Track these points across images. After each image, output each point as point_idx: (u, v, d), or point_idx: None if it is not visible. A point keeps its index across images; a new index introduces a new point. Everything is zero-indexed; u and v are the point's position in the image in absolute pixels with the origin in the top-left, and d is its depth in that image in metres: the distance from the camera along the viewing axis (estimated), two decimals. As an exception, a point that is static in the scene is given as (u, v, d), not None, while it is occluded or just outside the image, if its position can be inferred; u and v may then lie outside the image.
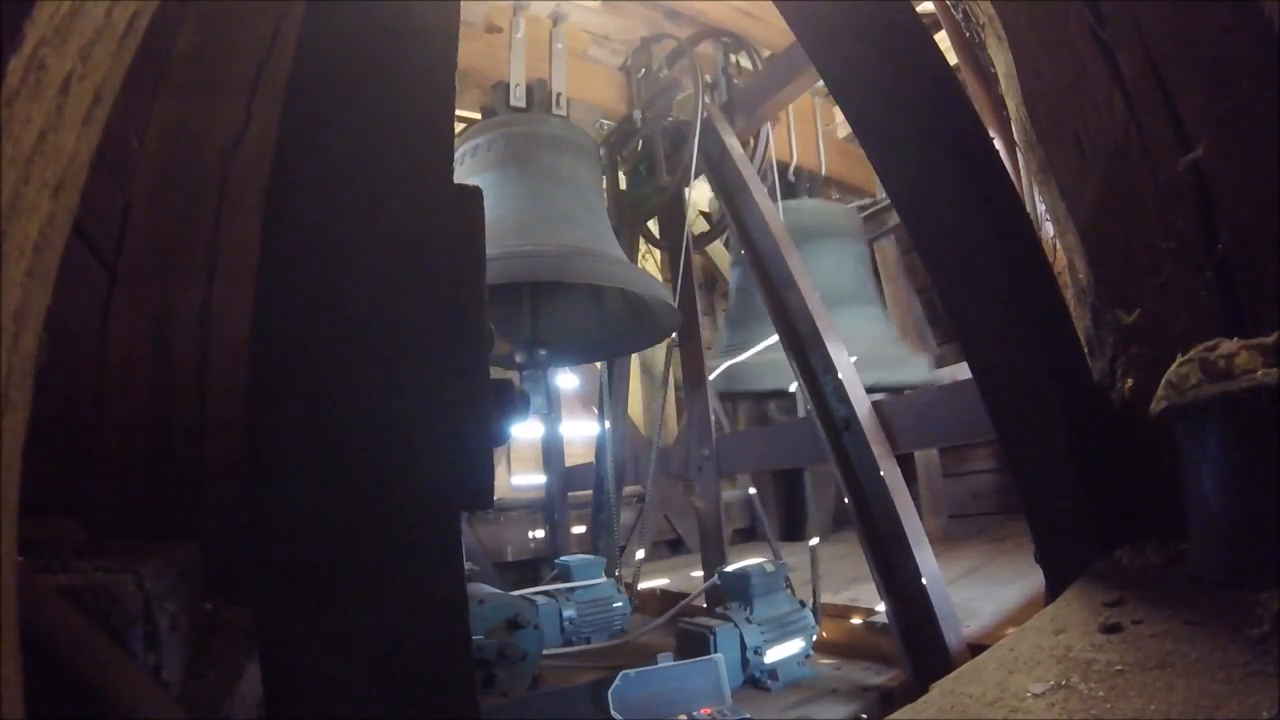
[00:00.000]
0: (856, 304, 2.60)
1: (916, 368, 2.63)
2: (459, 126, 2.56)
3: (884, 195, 3.32)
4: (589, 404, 3.84)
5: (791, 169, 3.09)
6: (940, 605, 1.64)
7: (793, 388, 2.68)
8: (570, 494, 3.46)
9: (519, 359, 2.37)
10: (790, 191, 3.01)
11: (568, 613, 2.22)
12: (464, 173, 2.27)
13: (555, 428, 3.51)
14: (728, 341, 2.85)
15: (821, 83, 2.69)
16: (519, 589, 2.34)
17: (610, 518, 2.95)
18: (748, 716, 1.52)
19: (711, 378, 2.65)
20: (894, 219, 3.31)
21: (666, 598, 2.69)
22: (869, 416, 1.85)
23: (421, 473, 0.60)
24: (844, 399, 1.88)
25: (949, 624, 1.62)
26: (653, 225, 3.19)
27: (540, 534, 3.49)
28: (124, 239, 1.10)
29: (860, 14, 1.11)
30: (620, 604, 2.34)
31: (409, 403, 0.61)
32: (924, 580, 1.66)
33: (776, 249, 2.19)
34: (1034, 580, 1.88)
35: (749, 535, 3.98)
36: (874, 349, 2.39)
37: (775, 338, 2.33)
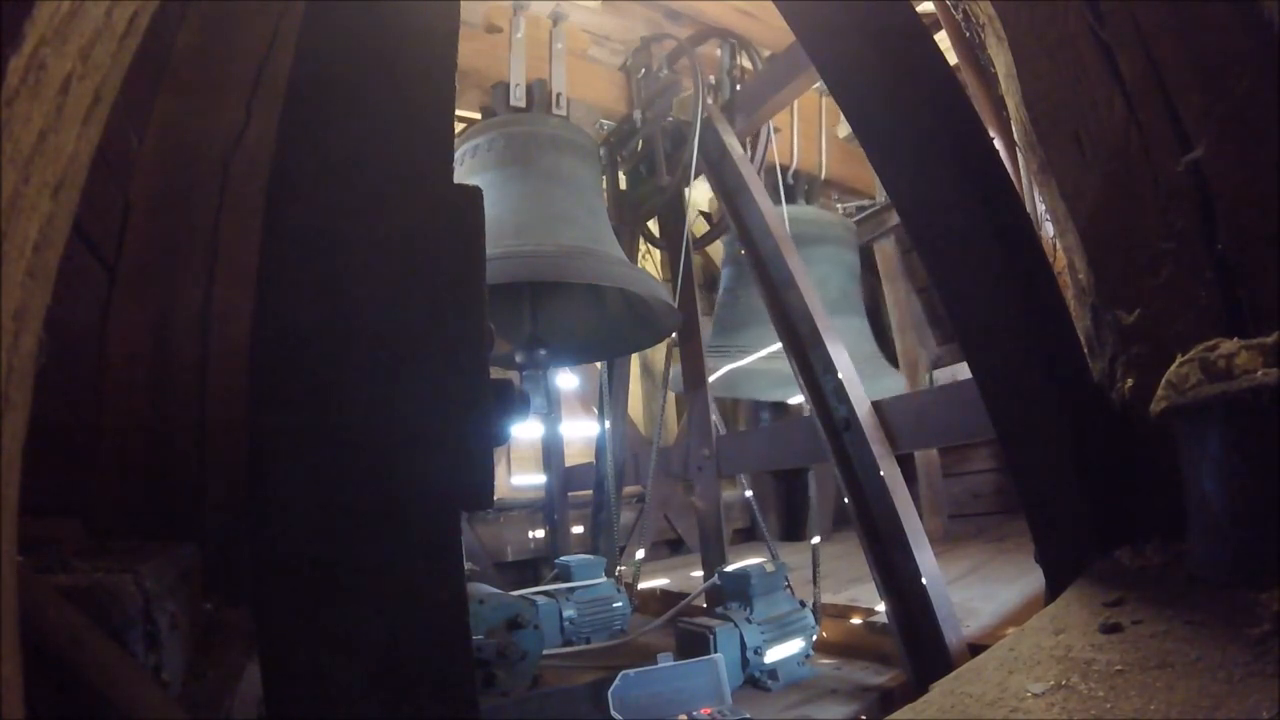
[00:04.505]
0: (840, 314, 2.58)
1: (892, 383, 2.63)
2: (459, 126, 2.56)
3: (884, 196, 3.32)
4: (589, 404, 3.84)
5: (791, 171, 3.09)
6: (940, 605, 1.64)
7: (794, 400, 2.67)
8: (570, 494, 3.46)
9: (519, 359, 2.37)
10: (788, 194, 3.01)
11: (568, 613, 2.22)
12: (464, 173, 2.27)
13: (555, 428, 3.51)
14: (713, 343, 2.83)
15: (822, 83, 2.70)
16: (519, 589, 2.34)
17: (610, 518, 2.96)
18: (748, 716, 1.52)
19: (711, 380, 2.65)
20: (894, 219, 3.31)
21: (666, 598, 2.69)
22: (869, 416, 1.85)
23: (421, 473, 0.60)
24: (844, 399, 1.88)
25: (949, 624, 1.63)
26: (653, 225, 3.19)
27: (540, 534, 3.49)
28: (124, 239, 1.10)
29: (860, 14, 1.11)
30: (620, 604, 2.34)
31: (409, 402, 0.61)
32: (924, 580, 1.66)
33: (776, 249, 2.19)
34: (1034, 580, 1.87)
35: (749, 535, 3.98)
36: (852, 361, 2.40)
37: (776, 345, 2.33)
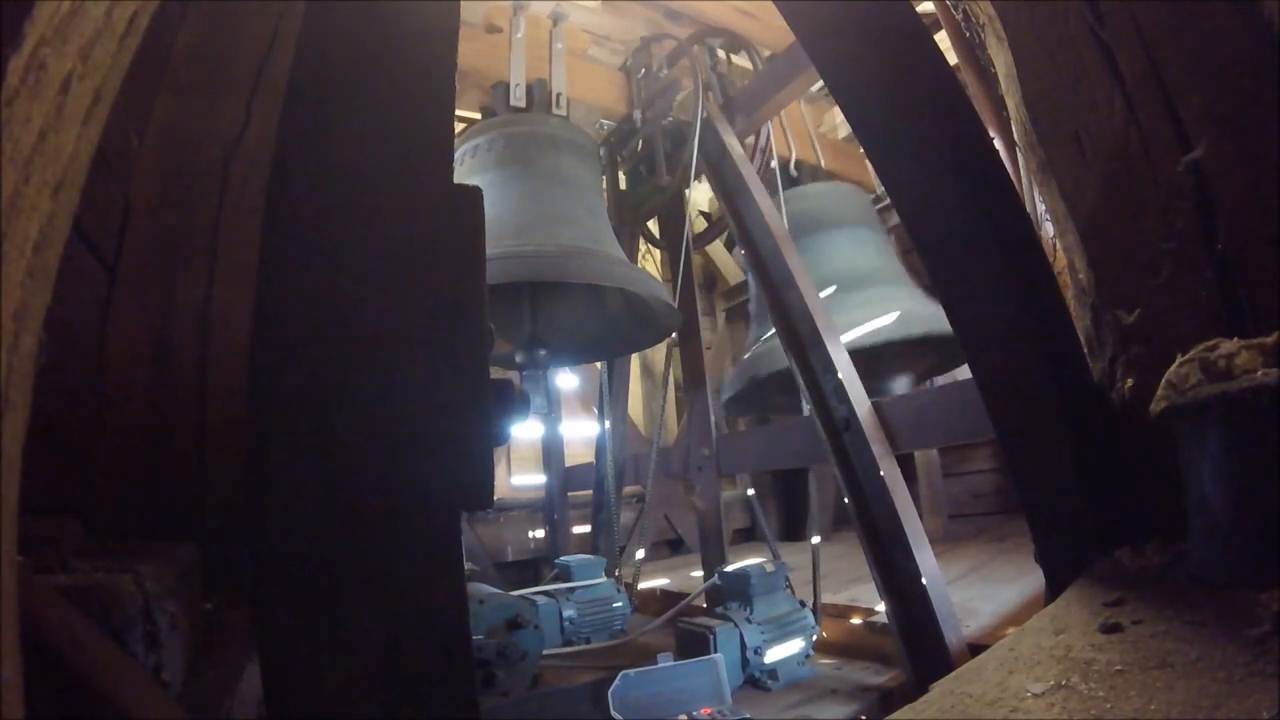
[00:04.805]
0: (887, 280, 2.53)
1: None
2: (459, 126, 2.56)
3: (884, 195, 3.32)
4: (589, 404, 3.84)
5: (792, 162, 3.08)
6: (940, 605, 1.64)
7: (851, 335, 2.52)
8: (570, 494, 3.46)
9: (519, 359, 2.37)
10: (794, 185, 3.00)
11: (568, 613, 2.22)
12: (464, 173, 2.27)
13: (555, 428, 3.51)
14: (756, 334, 2.76)
15: (819, 84, 2.70)
16: (519, 589, 2.34)
17: (610, 518, 2.96)
18: (748, 716, 1.52)
19: (747, 354, 2.60)
20: (894, 219, 3.30)
21: (666, 598, 2.69)
22: (869, 416, 1.85)
23: (421, 473, 0.60)
24: (844, 399, 1.88)
25: (949, 624, 1.63)
26: (653, 225, 3.19)
27: (540, 534, 3.49)
28: (124, 239, 1.10)
29: (860, 14, 1.11)
30: (620, 604, 2.34)
31: (409, 403, 0.61)
32: (924, 580, 1.66)
33: (776, 249, 2.19)
34: (1034, 580, 1.87)
35: (749, 535, 3.98)
36: (918, 306, 2.33)
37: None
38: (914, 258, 3.33)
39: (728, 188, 2.45)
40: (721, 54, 2.88)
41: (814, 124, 3.30)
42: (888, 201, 3.24)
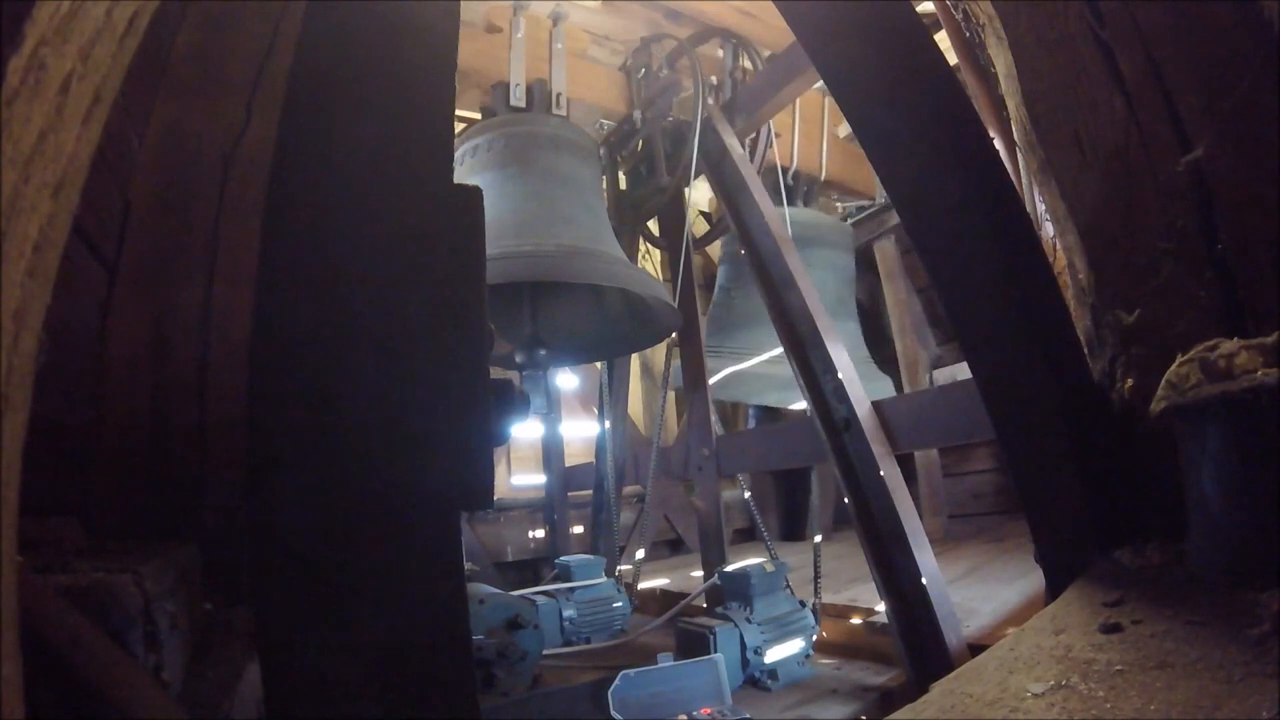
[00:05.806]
0: (834, 319, 2.55)
1: (880, 387, 2.61)
2: (459, 126, 2.56)
3: (884, 197, 3.32)
4: (589, 404, 3.84)
5: (791, 172, 3.08)
6: (940, 605, 1.64)
7: (794, 405, 2.64)
8: (570, 494, 3.46)
9: (519, 359, 2.37)
10: (788, 195, 3.00)
11: (568, 613, 2.22)
12: (464, 173, 2.27)
13: (555, 428, 3.51)
14: (708, 343, 2.77)
15: (819, 84, 2.70)
16: (519, 589, 2.34)
17: (610, 518, 2.95)
18: (748, 716, 1.52)
19: (712, 381, 2.64)
20: (894, 219, 3.31)
21: (666, 598, 2.69)
22: (869, 416, 1.85)
23: (421, 473, 0.60)
24: (844, 399, 1.88)
25: (949, 624, 1.63)
26: (653, 225, 3.19)
27: (540, 534, 3.49)
28: (124, 239, 1.10)
29: (860, 14, 1.11)
30: (620, 604, 2.34)
31: (409, 402, 0.61)
32: (924, 580, 1.66)
33: (776, 249, 2.19)
34: (1034, 580, 1.88)
35: (749, 535, 3.98)
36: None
37: (777, 349, 2.32)
38: (914, 257, 3.34)
39: (728, 188, 2.45)
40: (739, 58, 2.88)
41: (833, 121, 3.29)
42: (887, 201, 3.25)
